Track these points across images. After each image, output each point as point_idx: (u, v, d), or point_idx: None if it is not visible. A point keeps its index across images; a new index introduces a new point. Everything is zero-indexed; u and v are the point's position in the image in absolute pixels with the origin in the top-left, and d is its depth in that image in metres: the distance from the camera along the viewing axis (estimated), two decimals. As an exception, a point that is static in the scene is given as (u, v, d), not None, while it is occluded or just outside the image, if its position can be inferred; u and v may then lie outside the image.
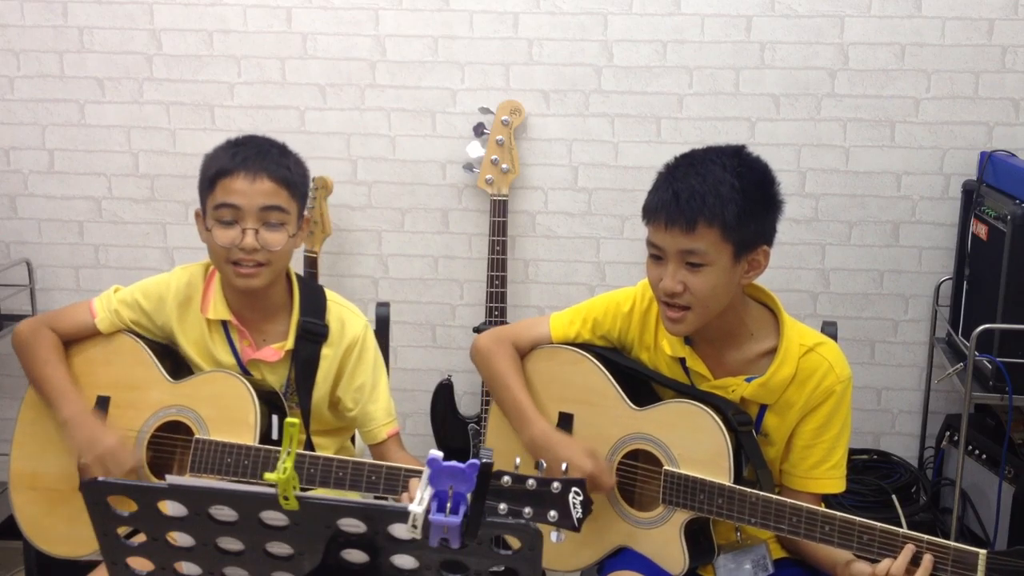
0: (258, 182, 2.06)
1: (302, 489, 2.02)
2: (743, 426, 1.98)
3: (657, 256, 1.95)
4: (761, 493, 1.90)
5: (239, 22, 3.26)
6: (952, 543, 1.76)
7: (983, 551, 1.73)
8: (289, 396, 2.20)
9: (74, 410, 2.12)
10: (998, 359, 2.72)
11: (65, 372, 2.18)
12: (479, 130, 3.18)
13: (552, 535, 1.84)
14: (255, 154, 2.08)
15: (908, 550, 1.76)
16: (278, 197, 2.08)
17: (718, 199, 1.86)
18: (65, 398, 2.14)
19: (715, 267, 1.89)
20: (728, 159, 1.91)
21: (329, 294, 2.24)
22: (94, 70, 3.32)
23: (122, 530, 1.38)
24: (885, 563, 1.77)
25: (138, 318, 2.21)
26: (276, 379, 2.20)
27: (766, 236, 1.95)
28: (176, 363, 2.21)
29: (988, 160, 2.95)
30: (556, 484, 1.80)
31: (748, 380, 2.00)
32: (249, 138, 2.15)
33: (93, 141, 3.37)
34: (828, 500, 2.05)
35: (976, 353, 2.72)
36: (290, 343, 2.17)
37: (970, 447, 2.97)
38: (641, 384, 2.11)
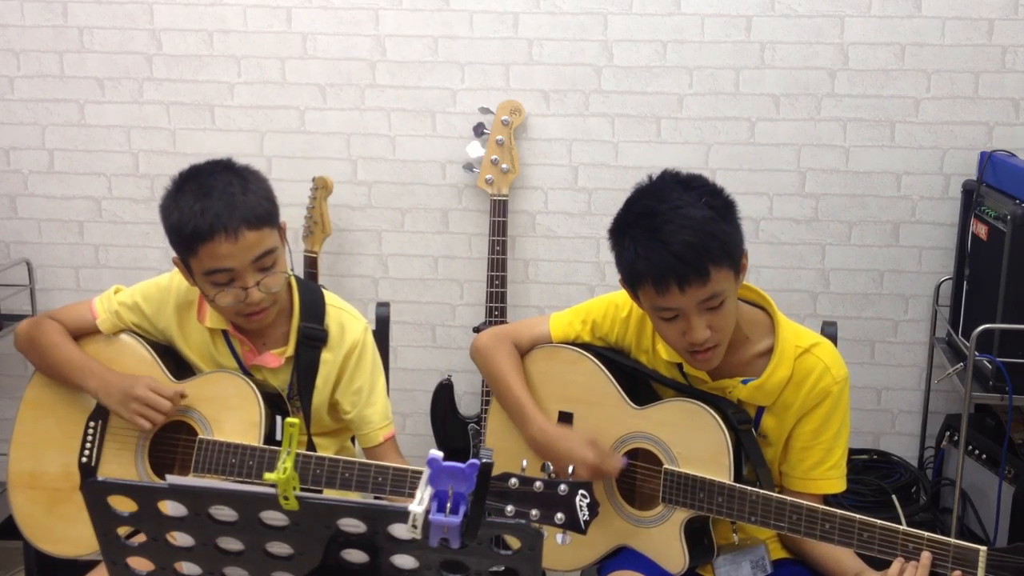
0: (242, 238, 1.96)
1: (310, 490, 2.04)
2: (743, 424, 1.99)
3: (671, 317, 1.90)
4: (761, 491, 1.90)
5: (239, 22, 3.26)
6: (952, 540, 1.76)
7: (983, 548, 1.73)
8: (291, 400, 2.19)
9: (98, 379, 2.12)
10: (998, 359, 2.72)
11: (77, 349, 2.17)
12: (479, 130, 3.18)
13: (558, 537, 1.85)
14: (224, 207, 1.95)
15: (926, 558, 1.76)
16: (264, 240, 2.00)
17: (713, 238, 1.83)
18: (85, 371, 2.14)
19: (730, 297, 1.89)
20: (688, 194, 1.87)
21: (328, 296, 2.23)
22: (94, 70, 3.32)
23: (122, 530, 1.38)
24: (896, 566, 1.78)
25: (139, 321, 2.20)
26: (278, 383, 2.19)
27: (743, 240, 1.94)
28: (177, 364, 2.20)
29: (988, 160, 2.95)
30: (563, 487, 1.80)
31: (744, 382, 2.00)
32: (203, 180, 2.00)
33: (93, 141, 3.37)
34: (828, 500, 2.05)
35: (976, 353, 2.72)
36: (291, 349, 2.17)
37: (970, 447, 2.97)
38: (641, 383, 2.11)
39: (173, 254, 2.07)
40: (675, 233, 1.82)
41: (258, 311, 2.05)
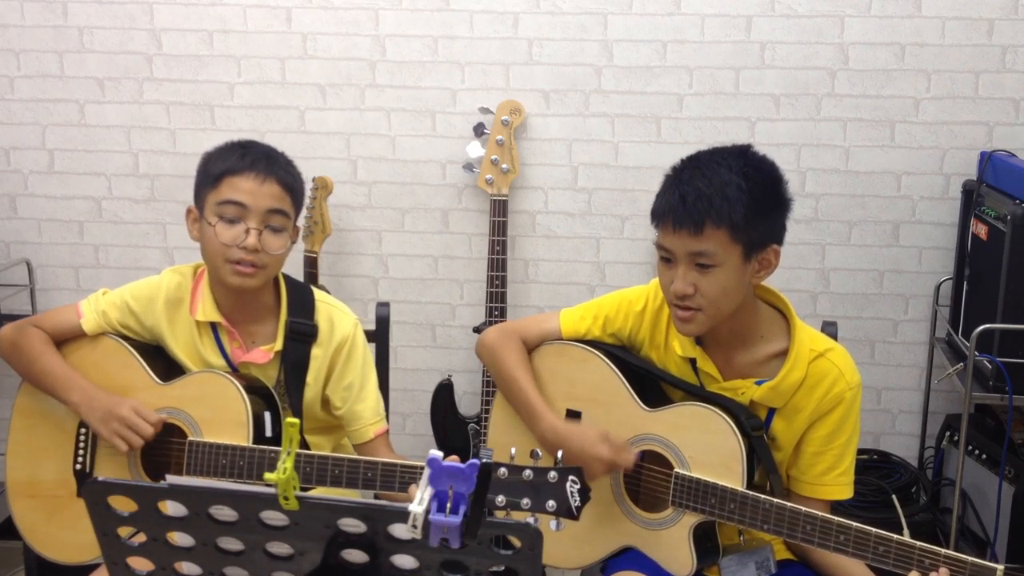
0: (267, 184, 2.08)
1: (300, 488, 2.04)
2: (755, 430, 1.98)
3: (667, 259, 1.95)
4: (775, 500, 1.89)
5: (239, 22, 3.26)
6: (969, 558, 1.74)
7: (1000, 566, 1.72)
8: (280, 397, 2.19)
9: (81, 393, 2.12)
10: (998, 359, 2.72)
11: (61, 360, 2.17)
12: (479, 130, 3.18)
13: (551, 524, 1.84)
14: (264, 157, 2.10)
15: (944, 573, 1.75)
16: (283, 202, 2.11)
17: (725, 200, 1.86)
18: (69, 384, 2.13)
19: (725, 268, 1.89)
20: (734, 160, 1.92)
21: (318, 293, 2.24)
22: (94, 70, 3.32)
23: (123, 530, 1.38)
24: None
25: (126, 320, 2.20)
26: (267, 380, 2.19)
27: (775, 235, 1.96)
28: (165, 365, 2.19)
29: (988, 160, 2.95)
30: (553, 474, 1.79)
31: (758, 383, 2.00)
32: (253, 142, 2.16)
33: (93, 141, 3.37)
34: (833, 505, 2.05)
35: (976, 353, 2.72)
36: (279, 344, 2.17)
37: (970, 447, 2.97)
38: (650, 384, 2.11)
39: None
40: (695, 179, 1.90)
41: (248, 264, 2.07)
